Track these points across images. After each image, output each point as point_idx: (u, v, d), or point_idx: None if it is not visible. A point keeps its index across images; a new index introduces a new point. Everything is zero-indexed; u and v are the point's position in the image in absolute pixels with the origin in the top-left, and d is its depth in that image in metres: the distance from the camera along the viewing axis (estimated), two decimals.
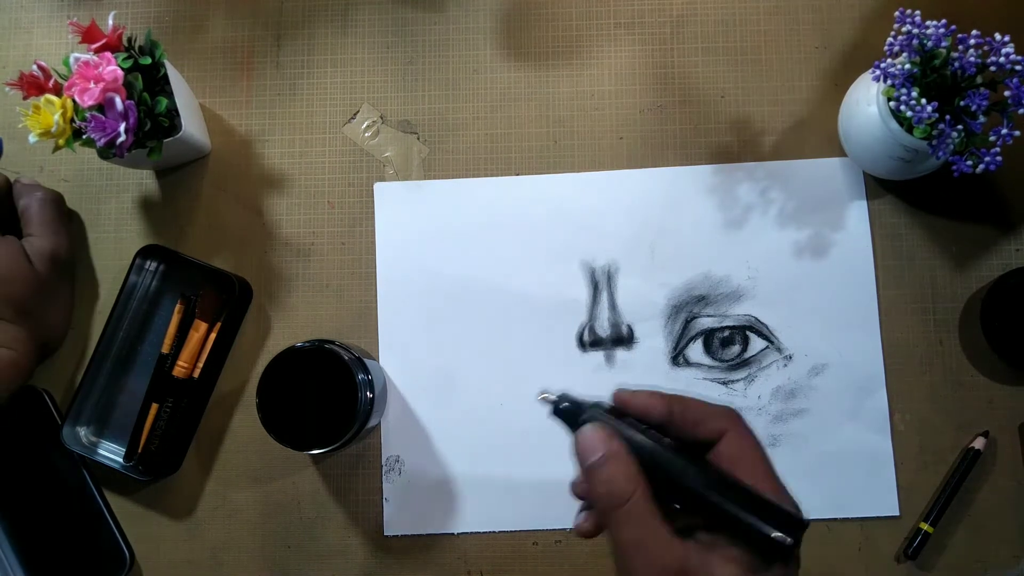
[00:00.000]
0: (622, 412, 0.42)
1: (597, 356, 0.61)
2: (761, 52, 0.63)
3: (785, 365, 0.60)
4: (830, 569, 0.59)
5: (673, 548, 0.40)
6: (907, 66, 0.50)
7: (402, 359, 0.62)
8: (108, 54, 0.55)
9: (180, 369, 0.61)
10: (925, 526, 0.57)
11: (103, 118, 0.54)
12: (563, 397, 0.43)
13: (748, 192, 0.62)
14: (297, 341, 0.56)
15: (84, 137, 0.55)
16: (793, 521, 0.40)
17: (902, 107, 0.50)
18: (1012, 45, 0.48)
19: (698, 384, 0.60)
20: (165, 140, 0.58)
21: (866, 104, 0.55)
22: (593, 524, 0.44)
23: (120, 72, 0.55)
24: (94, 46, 0.56)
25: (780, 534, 0.39)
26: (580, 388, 0.60)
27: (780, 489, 0.42)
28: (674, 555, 0.40)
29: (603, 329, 0.61)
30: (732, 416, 0.42)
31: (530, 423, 0.61)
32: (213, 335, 0.61)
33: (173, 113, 0.58)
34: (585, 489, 0.43)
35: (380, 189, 0.64)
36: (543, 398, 0.44)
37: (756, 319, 0.61)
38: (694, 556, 0.40)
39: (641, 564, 0.41)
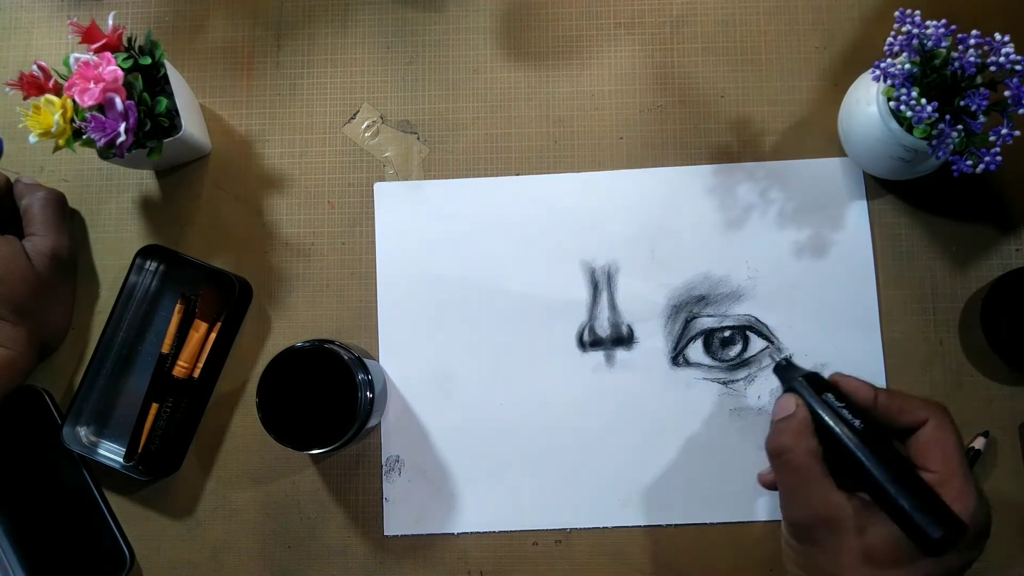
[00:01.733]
0: (829, 386, 0.48)
1: (597, 356, 0.61)
2: (761, 52, 0.63)
3: (785, 361, 0.60)
4: None
5: (828, 497, 0.45)
6: (907, 66, 0.50)
7: (402, 359, 0.62)
8: (108, 54, 0.55)
9: (180, 369, 0.61)
10: None
11: (103, 118, 0.54)
12: (786, 359, 0.51)
13: (748, 192, 0.62)
14: (297, 341, 0.56)
15: (84, 137, 0.55)
16: (954, 522, 0.43)
17: (902, 107, 0.50)
18: (1012, 45, 0.48)
19: (698, 384, 0.60)
20: (165, 140, 0.58)
21: (866, 104, 0.55)
22: (771, 477, 0.50)
23: (120, 72, 0.55)
24: (94, 46, 0.56)
25: (937, 528, 0.42)
26: (579, 388, 0.61)
27: (966, 485, 0.44)
28: (827, 503, 0.45)
29: (603, 329, 0.61)
30: (937, 408, 0.47)
31: (530, 423, 0.61)
32: (213, 335, 0.61)
33: (173, 113, 0.58)
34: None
35: (380, 189, 0.64)
36: (774, 359, 0.56)
37: (756, 319, 0.61)
38: (850, 511, 0.44)
39: (795, 506, 0.47)
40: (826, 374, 0.57)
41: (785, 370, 0.50)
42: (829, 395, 0.47)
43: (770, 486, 0.51)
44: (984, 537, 0.45)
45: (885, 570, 0.43)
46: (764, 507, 0.59)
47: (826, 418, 0.47)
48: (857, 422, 0.46)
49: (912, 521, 0.43)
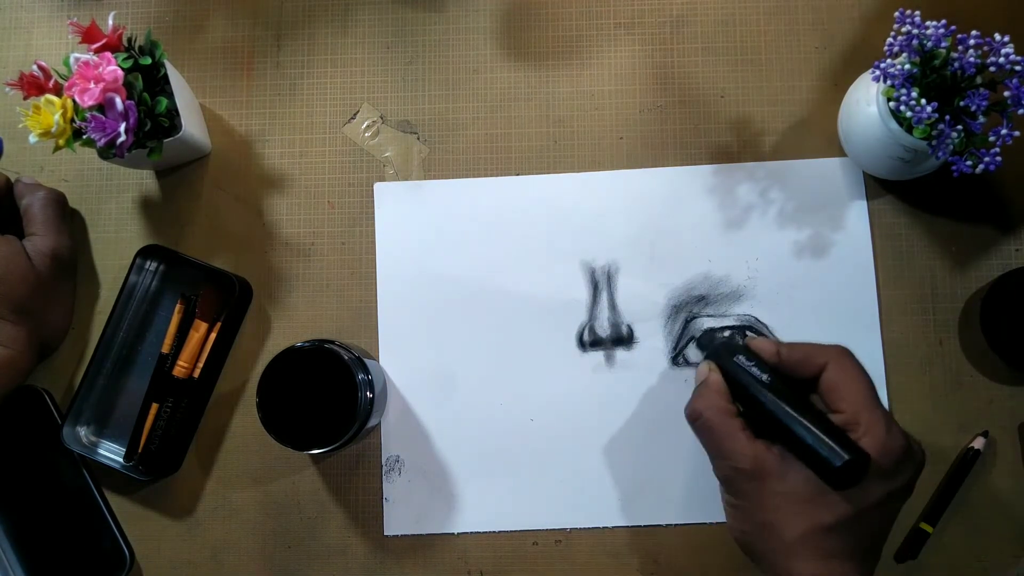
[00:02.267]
0: (742, 349, 0.51)
1: (597, 356, 0.61)
2: (761, 52, 0.63)
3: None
4: None
5: (745, 450, 0.47)
6: (907, 66, 0.50)
7: (402, 359, 0.62)
8: (108, 54, 0.55)
9: (180, 369, 0.61)
10: (924, 525, 0.57)
11: (103, 118, 0.54)
12: (707, 330, 0.56)
13: (748, 192, 0.62)
14: (297, 341, 0.56)
15: (84, 137, 0.55)
16: (855, 450, 0.45)
17: (902, 107, 0.50)
18: (1012, 45, 0.48)
19: None
20: (165, 140, 0.58)
21: (866, 104, 0.55)
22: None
23: (120, 72, 0.55)
24: (94, 46, 0.56)
25: (838, 457, 0.44)
26: (579, 388, 0.61)
27: (874, 416, 0.46)
28: (745, 455, 0.47)
29: (603, 329, 0.61)
30: (835, 351, 0.49)
31: (530, 423, 0.61)
32: (213, 335, 0.61)
33: (173, 113, 0.58)
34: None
35: (380, 189, 0.64)
36: (694, 336, 0.58)
37: (756, 319, 0.61)
38: (769, 459, 0.46)
39: (718, 463, 0.49)
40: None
41: (704, 341, 0.55)
42: (740, 357, 0.51)
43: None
44: (906, 466, 0.46)
45: (810, 509, 0.45)
46: None
47: (736, 377, 0.50)
48: (765, 376, 0.49)
49: (816, 455, 0.45)
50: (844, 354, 0.49)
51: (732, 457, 0.48)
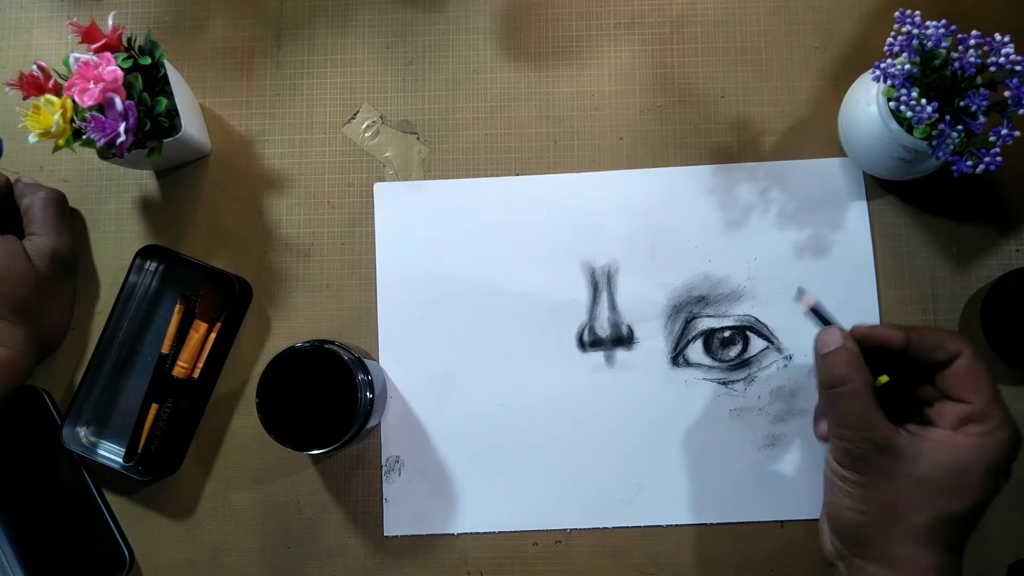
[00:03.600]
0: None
1: (597, 356, 0.61)
2: (761, 52, 0.63)
3: (785, 365, 0.60)
4: (830, 570, 0.59)
5: (885, 425, 0.47)
6: (907, 66, 0.50)
7: (402, 359, 0.62)
8: (108, 54, 0.55)
9: (180, 369, 0.61)
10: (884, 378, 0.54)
11: (103, 118, 0.54)
12: (818, 303, 0.53)
13: (748, 192, 0.62)
14: (297, 341, 0.56)
15: (84, 137, 0.55)
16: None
17: (902, 107, 0.50)
18: (1012, 45, 0.48)
19: (698, 384, 0.60)
20: (165, 140, 0.58)
21: (866, 104, 0.55)
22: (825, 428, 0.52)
23: (120, 72, 0.55)
24: (94, 46, 0.56)
25: None
26: (579, 389, 0.61)
27: (1001, 408, 0.47)
28: (885, 430, 0.47)
29: (603, 329, 0.61)
30: (967, 341, 0.49)
31: (530, 423, 0.61)
32: (213, 335, 0.61)
33: (173, 113, 0.58)
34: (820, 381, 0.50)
35: (380, 190, 0.64)
36: (804, 299, 0.53)
37: (756, 319, 0.61)
38: (905, 438, 0.47)
39: (853, 435, 0.47)
40: None
41: (819, 313, 0.52)
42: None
43: (823, 435, 0.52)
44: (1010, 469, 0.47)
45: (941, 496, 0.46)
46: (764, 507, 0.59)
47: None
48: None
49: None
50: (973, 346, 0.49)
51: (871, 431, 0.47)
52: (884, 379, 0.49)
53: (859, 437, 0.47)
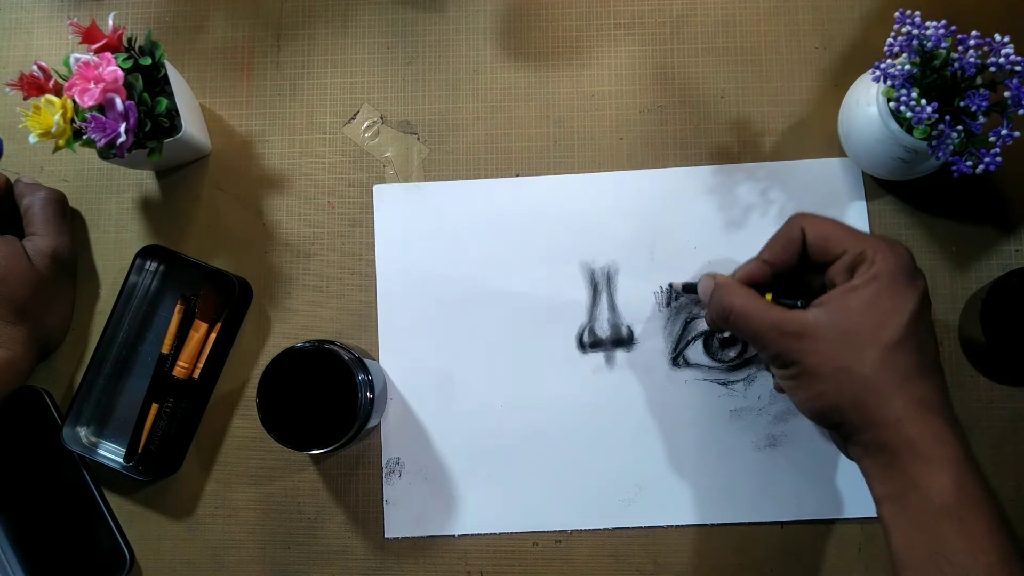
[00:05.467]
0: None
1: (597, 357, 0.61)
2: (761, 52, 0.63)
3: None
4: (830, 569, 0.59)
5: (786, 316, 0.48)
6: (907, 67, 0.50)
7: (402, 360, 0.62)
8: (108, 54, 0.55)
9: (180, 369, 0.61)
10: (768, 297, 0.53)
11: (103, 118, 0.54)
12: (685, 285, 0.57)
13: (748, 192, 0.62)
14: (297, 341, 0.56)
15: (84, 137, 0.55)
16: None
17: (902, 107, 0.50)
18: (1012, 46, 0.48)
19: (698, 385, 0.60)
20: (165, 140, 0.58)
21: (866, 104, 0.55)
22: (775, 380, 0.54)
23: (120, 72, 0.55)
24: (94, 46, 0.56)
25: None
26: (579, 390, 0.61)
27: (866, 238, 0.48)
28: (787, 316, 0.48)
29: (603, 330, 0.61)
30: (799, 216, 0.50)
31: (530, 424, 0.61)
32: (213, 335, 0.61)
33: (173, 113, 0.58)
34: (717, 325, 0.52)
35: (379, 191, 0.64)
36: (674, 285, 0.59)
37: None
38: (810, 314, 0.47)
39: (767, 342, 0.48)
40: None
41: (690, 285, 0.57)
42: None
43: (778, 386, 0.54)
44: (917, 267, 0.48)
45: (870, 336, 0.46)
46: (764, 507, 0.59)
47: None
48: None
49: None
50: (807, 214, 0.50)
51: (777, 325, 0.48)
52: (769, 296, 0.50)
53: (773, 338, 0.48)
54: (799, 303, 0.49)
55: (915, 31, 0.50)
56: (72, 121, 0.55)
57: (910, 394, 0.45)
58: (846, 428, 0.47)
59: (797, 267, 0.51)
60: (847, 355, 0.46)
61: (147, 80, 0.58)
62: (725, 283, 0.51)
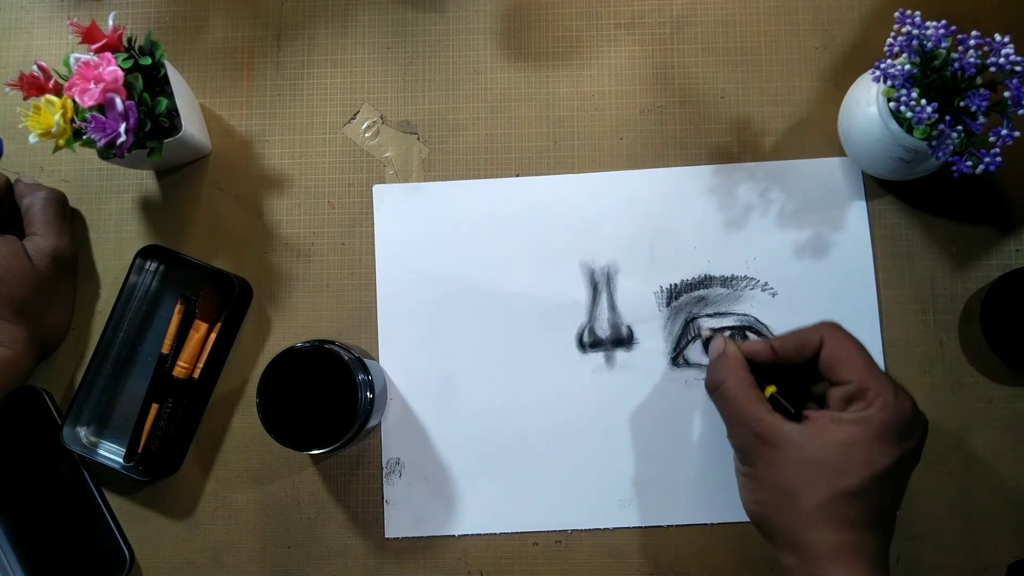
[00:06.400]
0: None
1: (597, 357, 0.61)
2: (761, 52, 0.63)
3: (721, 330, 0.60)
4: None
5: (764, 417, 0.48)
6: (907, 67, 0.50)
7: (402, 360, 0.62)
8: (108, 54, 0.55)
9: (180, 369, 0.61)
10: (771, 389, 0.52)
11: (103, 118, 0.54)
12: (711, 328, 0.58)
13: (748, 192, 0.62)
14: (297, 341, 0.56)
15: (84, 137, 0.55)
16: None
17: (902, 108, 0.50)
18: (1012, 46, 0.48)
19: (698, 384, 0.60)
20: (165, 140, 0.58)
21: (866, 104, 0.55)
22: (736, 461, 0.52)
23: (120, 72, 0.55)
24: (94, 46, 0.56)
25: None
26: (579, 390, 0.61)
27: (880, 381, 0.47)
28: (764, 422, 0.47)
29: (603, 330, 0.61)
30: (826, 327, 0.50)
31: (530, 424, 0.61)
32: (213, 335, 0.61)
33: (173, 113, 0.58)
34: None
35: (379, 191, 0.64)
36: (702, 330, 0.59)
37: (756, 319, 0.61)
38: (787, 427, 0.47)
39: (737, 432, 0.49)
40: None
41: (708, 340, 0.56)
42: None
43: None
44: (915, 428, 0.47)
45: (829, 475, 0.46)
46: None
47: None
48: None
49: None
50: (835, 327, 0.50)
51: (751, 423, 0.48)
52: (771, 390, 0.50)
53: (743, 433, 0.49)
54: (792, 410, 0.49)
55: (915, 31, 0.50)
56: (72, 121, 0.55)
57: (844, 539, 0.45)
58: (773, 544, 0.48)
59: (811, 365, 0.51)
60: (799, 482, 0.46)
61: (147, 80, 0.58)
62: (728, 357, 0.51)
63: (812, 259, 0.61)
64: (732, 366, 0.51)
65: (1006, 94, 0.49)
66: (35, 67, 0.56)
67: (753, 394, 0.49)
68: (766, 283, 0.61)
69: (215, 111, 0.65)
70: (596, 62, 0.64)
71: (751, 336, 0.60)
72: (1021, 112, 0.49)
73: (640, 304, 0.61)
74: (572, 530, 0.60)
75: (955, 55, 0.49)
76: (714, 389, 0.51)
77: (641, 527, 0.60)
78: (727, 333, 0.59)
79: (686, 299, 0.61)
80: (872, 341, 0.60)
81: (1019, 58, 0.48)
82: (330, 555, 0.61)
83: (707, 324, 0.60)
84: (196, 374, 0.61)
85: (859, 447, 0.46)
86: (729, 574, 0.59)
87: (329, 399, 0.55)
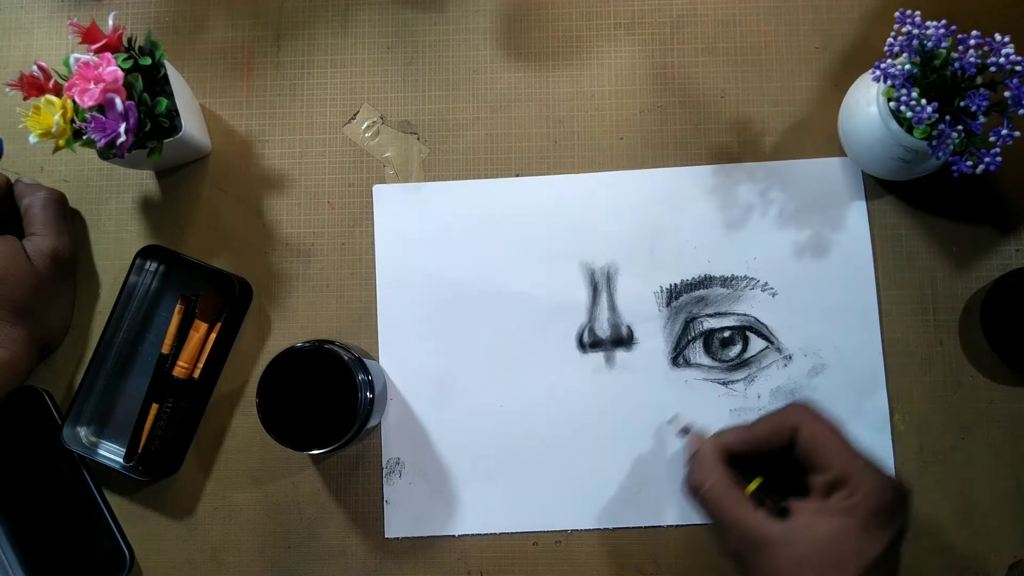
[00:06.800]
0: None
1: (597, 357, 0.61)
2: (761, 52, 0.63)
3: (785, 365, 0.60)
4: None
5: (750, 520, 0.46)
6: (907, 66, 0.50)
7: (402, 360, 0.62)
8: (108, 55, 0.55)
9: (180, 369, 0.61)
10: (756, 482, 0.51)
11: (103, 119, 0.54)
12: (689, 424, 0.57)
13: (748, 192, 0.62)
14: (297, 341, 0.56)
15: (84, 138, 0.55)
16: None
17: (902, 107, 0.50)
18: (1012, 46, 0.48)
19: (698, 384, 0.60)
20: (165, 140, 0.58)
21: (866, 104, 0.55)
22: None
23: (120, 73, 0.55)
24: (94, 47, 0.56)
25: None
26: (579, 390, 0.61)
27: (862, 469, 0.46)
28: (750, 526, 0.46)
29: (603, 330, 0.61)
30: (798, 411, 0.48)
31: (530, 424, 0.61)
32: (213, 335, 0.61)
33: (173, 113, 0.58)
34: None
35: (379, 191, 0.64)
36: (677, 426, 0.59)
37: (756, 319, 0.61)
38: (774, 527, 0.46)
39: (724, 537, 0.48)
40: (825, 375, 0.59)
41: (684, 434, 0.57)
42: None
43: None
44: (901, 504, 0.46)
45: (826, 570, 0.44)
46: None
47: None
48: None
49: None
50: (807, 411, 0.48)
51: (736, 527, 0.47)
52: (755, 485, 0.49)
53: (730, 539, 0.47)
54: (778, 506, 0.47)
55: (915, 31, 0.50)
56: (72, 121, 0.55)
57: None
58: None
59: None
60: None
61: (147, 80, 0.58)
62: (705, 458, 0.49)
63: (812, 259, 0.61)
64: (710, 467, 0.49)
65: (1006, 94, 0.49)
66: (35, 67, 0.56)
67: (733, 496, 0.47)
68: (766, 283, 0.61)
69: (215, 111, 0.65)
70: (596, 62, 0.64)
71: (751, 336, 0.60)
72: (1021, 112, 0.49)
73: (640, 304, 0.61)
74: (572, 530, 0.60)
75: (955, 55, 0.49)
76: (694, 492, 0.49)
77: (641, 527, 0.60)
78: (726, 333, 0.59)
79: (686, 299, 0.61)
80: (872, 341, 0.60)
81: (1019, 58, 0.48)
82: (330, 555, 0.61)
83: (682, 419, 0.59)
84: (196, 374, 0.61)
85: (849, 538, 0.45)
86: (729, 574, 0.59)
87: (329, 399, 0.55)
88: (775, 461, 0.49)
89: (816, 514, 0.46)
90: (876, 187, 0.61)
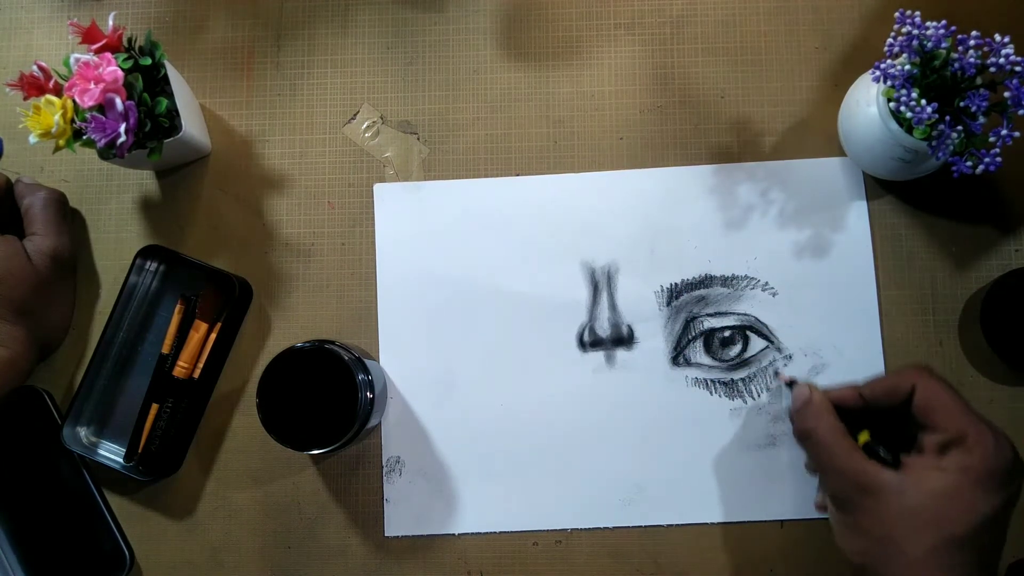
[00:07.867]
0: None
1: (597, 356, 0.61)
2: (761, 52, 0.63)
3: (785, 365, 0.60)
4: (831, 568, 0.59)
5: (860, 465, 0.47)
6: (907, 67, 0.50)
7: (402, 359, 0.62)
8: (108, 55, 0.55)
9: (180, 369, 0.61)
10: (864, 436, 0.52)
11: (103, 119, 0.54)
12: (793, 378, 0.57)
13: (748, 192, 0.62)
14: (297, 341, 0.56)
15: (84, 138, 0.55)
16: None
17: (902, 108, 0.50)
18: (1012, 46, 0.48)
19: (698, 384, 0.60)
20: (165, 141, 0.58)
21: (866, 104, 0.55)
22: (821, 497, 0.54)
23: (120, 73, 0.55)
24: (94, 47, 0.56)
25: None
26: (580, 389, 0.61)
27: (979, 429, 0.47)
28: (860, 470, 0.47)
29: (603, 329, 0.61)
30: (916, 372, 0.49)
31: (530, 423, 0.61)
32: (213, 335, 0.61)
33: (173, 113, 0.58)
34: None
35: (379, 190, 0.64)
36: (783, 379, 0.58)
37: (756, 319, 0.61)
38: (884, 474, 0.47)
39: (832, 479, 0.49)
40: (826, 375, 0.59)
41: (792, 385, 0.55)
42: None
43: (821, 506, 0.55)
44: (1017, 471, 0.46)
45: (936, 523, 0.45)
46: (764, 507, 0.59)
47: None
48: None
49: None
50: (926, 373, 0.49)
51: (849, 472, 0.47)
52: (865, 436, 0.50)
53: (840, 482, 0.48)
54: (890, 458, 0.48)
55: (915, 31, 0.50)
56: (72, 121, 0.55)
57: None
58: None
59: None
60: (903, 531, 0.45)
61: (147, 80, 0.58)
62: (815, 404, 0.51)
63: (812, 259, 0.61)
64: (820, 413, 0.50)
65: (1006, 94, 0.49)
66: (35, 67, 0.56)
67: (847, 443, 0.48)
68: (766, 283, 0.61)
69: (215, 111, 0.65)
70: (596, 62, 0.64)
71: (751, 336, 0.60)
72: (1021, 112, 0.49)
73: (640, 303, 0.61)
74: (572, 530, 0.60)
75: (955, 55, 0.49)
76: (805, 438, 0.51)
77: (641, 527, 0.60)
78: (726, 333, 0.59)
79: (686, 298, 0.61)
80: (872, 341, 0.60)
81: (1019, 58, 0.48)
82: (330, 555, 0.61)
83: (785, 371, 0.59)
84: (196, 374, 0.61)
85: (962, 495, 0.45)
86: (729, 574, 0.60)
87: (329, 399, 0.55)
88: (879, 417, 0.50)
89: (930, 469, 0.46)
90: (876, 187, 0.61)
